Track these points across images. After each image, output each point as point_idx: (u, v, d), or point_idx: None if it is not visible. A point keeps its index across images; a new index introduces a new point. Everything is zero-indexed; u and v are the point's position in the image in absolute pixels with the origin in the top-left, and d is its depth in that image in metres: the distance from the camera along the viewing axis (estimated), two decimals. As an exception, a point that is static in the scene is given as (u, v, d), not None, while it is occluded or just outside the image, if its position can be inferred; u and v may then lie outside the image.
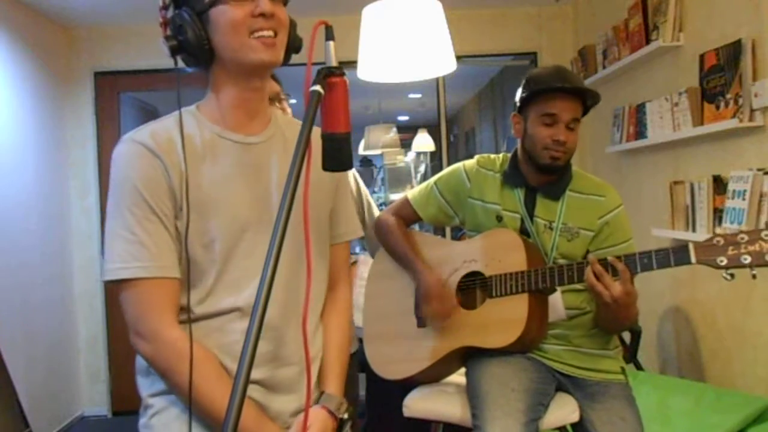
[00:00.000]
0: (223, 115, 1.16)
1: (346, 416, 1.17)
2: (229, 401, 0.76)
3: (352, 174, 2.15)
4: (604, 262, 1.57)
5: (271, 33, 1.10)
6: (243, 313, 1.12)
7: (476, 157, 1.94)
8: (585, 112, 1.80)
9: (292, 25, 1.17)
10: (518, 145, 1.85)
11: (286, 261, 1.12)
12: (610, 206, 1.77)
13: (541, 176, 1.79)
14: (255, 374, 1.11)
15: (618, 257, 1.57)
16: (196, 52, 1.10)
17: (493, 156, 1.93)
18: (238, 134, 1.16)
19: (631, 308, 1.60)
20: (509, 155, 1.89)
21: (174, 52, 1.10)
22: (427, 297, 1.78)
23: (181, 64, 1.14)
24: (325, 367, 1.25)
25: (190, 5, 1.10)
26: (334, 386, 1.22)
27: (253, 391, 1.13)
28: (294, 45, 1.18)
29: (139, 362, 1.20)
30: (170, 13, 1.12)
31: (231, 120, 1.16)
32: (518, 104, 1.81)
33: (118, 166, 1.10)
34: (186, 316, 1.11)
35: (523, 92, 1.80)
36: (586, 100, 1.78)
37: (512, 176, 1.83)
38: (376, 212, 2.23)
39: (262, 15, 1.08)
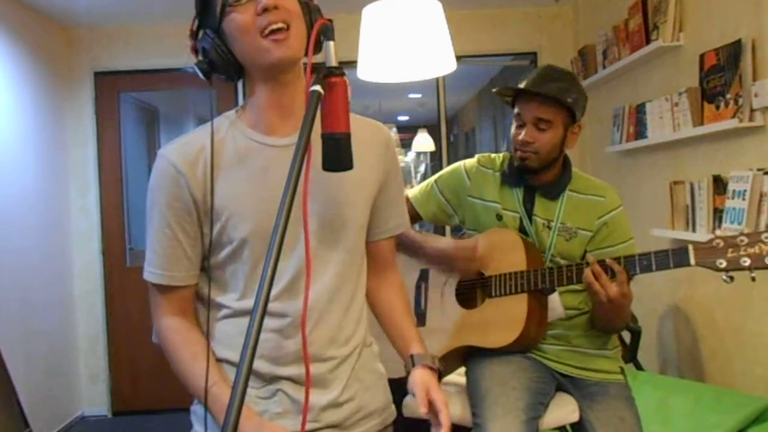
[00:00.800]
0: (258, 119, 1.17)
1: (441, 368, 1.23)
2: (229, 401, 0.76)
3: None
4: (602, 263, 1.58)
5: (281, 26, 1.07)
6: (270, 312, 1.14)
7: (477, 156, 1.94)
8: (573, 113, 1.75)
9: (311, 9, 1.13)
10: None
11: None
12: (609, 207, 1.77)
13: (539, 176, 1.79)
14: (286, 371, 1.15)
15: (616, 259, 1.57)
16: (226, 69, 1.13)
17: (494, 155, 1.93)
18: (271, 137, 1.16)
19: (625, 309, 1.62)
20: (509, 155, 1.89)
21: (207, 75, 1.14)
22: (449, 251, 1.80)
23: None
24: (403, 333, 1.29)
25: (208, 26, 1.11)
26: (418, 346, 1.26)
27: (285, 386, 1.16)
28: (324, 30, 1.11)
29: None
30: (198, 35, 1.14)
31: (264, 123, 1.17)
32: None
33: (150, 180, 1.17)
34: (222, 312, 1.18)
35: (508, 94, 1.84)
36: (565, 100, 1.72)
37: (511, 175, 1.83)
38: None
39: (265, 10, 1.06)
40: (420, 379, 1.20)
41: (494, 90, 1.84)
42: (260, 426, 1.10)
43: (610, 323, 1.72)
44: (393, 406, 1.34)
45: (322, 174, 1.06)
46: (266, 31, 1.06)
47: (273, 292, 1.13)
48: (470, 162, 1.92)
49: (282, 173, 1.12)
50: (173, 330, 1.18)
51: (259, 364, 1.15)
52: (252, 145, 1.16)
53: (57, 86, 4.05)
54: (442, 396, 1.17)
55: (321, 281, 1.17)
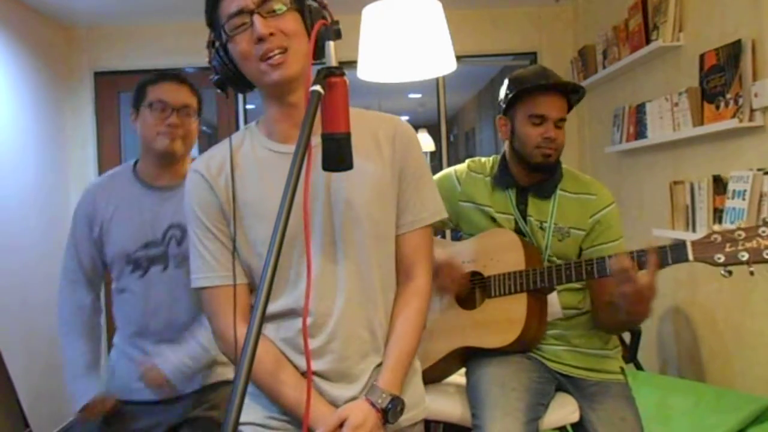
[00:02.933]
0: (271, 130, 1.24)
1: (389, 406, 1.17)
2: (230, 402, 0.76)
3: None
4: (631, 254, 1.50)
5: (278, 52, 1.11)
6: (296, 312, 1.20)
7: (467, 161, 1.96)
8: (569, 109, 1.82)
9: (312, 13, 1.13)
10: (506, 147, 1.86)
11: (341, 261, 1.21)
12: (601, 204, 1.77)
13: (532, 176, 1.79)
14: (314, 366, 1.19)
15: (643, 250, 1.49)
16: (236, 84, 1.20)
17: (483, 159, 1.94)
18: (286, 145, 1.21)
19: (648, 303, 1.50)
20: (498, 157, 1.90)
21: (221, 87, 1.20)
22: (436, 270, 1.74)
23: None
24: (385, 355, 1.25)
25: (219, 40, 1.17)
26: (385, 378, 1.21)
27: (315, 379, 1.20)
28: (334, 31, 1.10)
29: None
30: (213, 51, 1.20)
31: (279, 133, 1.22)
32: (503, 106, 1.83)
33: (185, 195, 1.26)
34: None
35: (508, 93, 1.81)
36: (571, 97, 1.80)
37: (502, 178, 1.83)
38: None
39: (261, 40, 1.10)
40: (346, 410, 1.16)
41: (521, 89, 1.75)
42: (331, 410, 1.17)
43: (630, 317, 1.59)
44: (425, 403, 1.34)
45: (333, 174, 1.13)
46: (265, 58, 1.11)
47: (296, 294, 1.19)
48: (460, 167, 1.94)
49: (311, 176, 1.16)
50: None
51: (297, 360, 1.22)
52: (268, 154, 1.22)
53: (57, 86, 4.04)
54: None
55: (340, 280, 1.20)
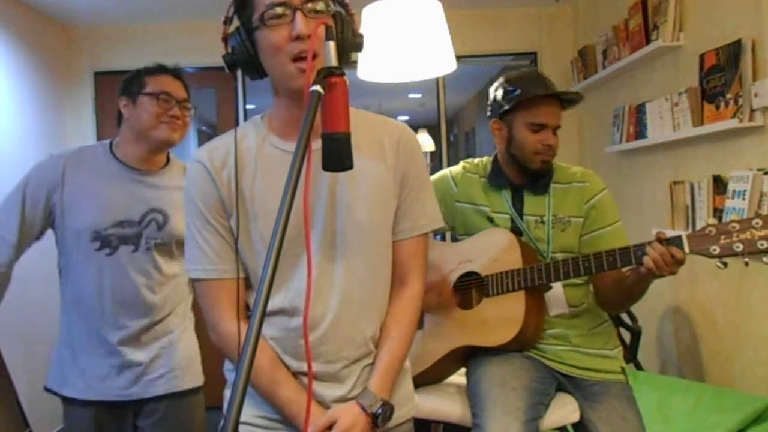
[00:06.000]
0: (281, 128, 1.22)
1: (379, 411, 1.18)
2: (229, 403, 0.76)
3: None
4: (660, 240, 1.53)
5: (308, 54, 1.06)
6: (288, 312, 1.20)
7: (462, 162, 1.97)
8: None
9: (345, 23, 1.14)
10: (499, 149, 1.87)
11: (330, 263, 1.20)
12: (594, 191, 1.79)
13: (526, 175, 1.81)
14: (304, 366, 1.18)
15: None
16: (249, 69, 1.16)
17: (476, 160, 1.96)
18: (291, 143, 1.19)
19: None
20: (490, 159, 1.91)
21: (230, 67, 1.16)
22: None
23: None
24: (376, 359, 1.25)
25: (243, 22, 1.14)
26: (376, 382, 1.22)
27: (305, 380, 1.20)
28: (355, 43, 1.15)
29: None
30: (231, 28, 1.15)
31: (286, 130, 1.21)
32: (499, 111, 1.82)
33: (186, 184, 1.24)
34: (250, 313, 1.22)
35: (506, 99, 1.80)
36: (565, 105, 1.83)
37: (496, 179, 1.85)
38: None
39: (299, 37, 1.08)
40: (338, 412, 1.17)
41: (523, 98, 1.74)
42: (321, 410, 1.18)
43: (640, 290, 1.65)
44: (414, 402, 1.34)
45: (336, 175, 1.13)
46: (297, 60, 1.09)
47: (290, 295, 1.19)
48: (456, 169, 1.95)
49: (314, 177, 1.17)
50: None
51: (286, 359, 1.22)
52: (276, 153, 1.20)
53: (57, 86, 4.04)
54: None
55: (336, 283, 1.19)
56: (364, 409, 1.18)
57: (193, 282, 1.25)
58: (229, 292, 1.21)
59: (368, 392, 1.20)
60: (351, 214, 1.19)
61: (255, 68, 1.16)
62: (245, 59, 1.14)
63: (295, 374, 1.21)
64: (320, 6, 1.10)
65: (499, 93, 1.83)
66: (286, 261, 1.18)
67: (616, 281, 1.71)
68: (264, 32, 1.10)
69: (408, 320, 1.28)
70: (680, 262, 1.50)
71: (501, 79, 1.85)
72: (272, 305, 1.20)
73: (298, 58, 1.10)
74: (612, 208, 1.80)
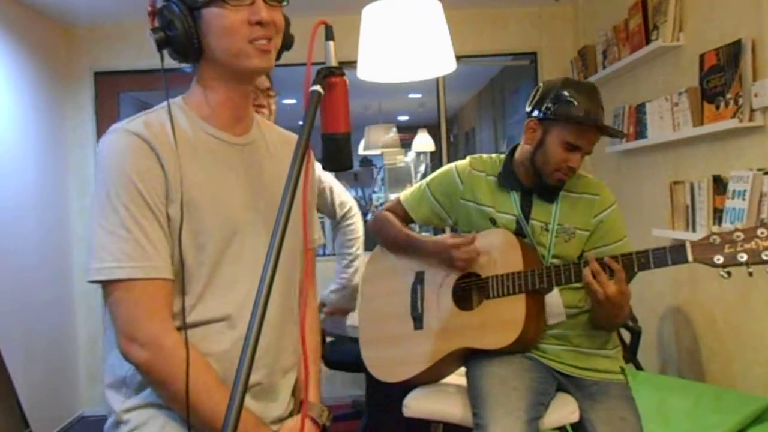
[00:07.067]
0: (211, 113, 1.12)
1: (328, 423, 1.19)
2: (229, 404, 0.75)
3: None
4: (601, 261, 1.57)
5: (266, 41, 1.06)
6: (232, 320, 1.08)
7: (468, 158, 1.93)
8: None
9: (286, 24, 1.12)
10: (521, 149, 1.82)
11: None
12: (605, 205, 1.77)
13: (539, 180, 1.78)
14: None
15: (614, 257, 1.58)
16: (184, 49, 1.05)
17: (485, 156, 1.92)
18: (226, 133, 1.13)
19: (624, 307, 1.62)
20: (503, 156, 1.89)
21: (160, 45, 1.05)
22: (445, 245, 1.78)
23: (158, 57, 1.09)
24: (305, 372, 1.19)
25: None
26: (312, 393, 1.20)
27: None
28: (285, 43, 1.13)
29: (112, 374, 1.12)
30: (159, 2, 1.07)
31: (219, 119, 1.12)
32: (542, 114, 1.74)
33: (109, 158, 1.03)
34: (180, 322, 1.05)
35: (554, 107, 1.71)
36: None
37: (507, 179, 1.83)
38: (342, 194, 2.33)
39: (260, 23, 1.03)
40: (293, 428, 1.16)
41: (573, 117, 1.70)
42: (257, 426, 1.09)
43: (609, 321, 1.71)
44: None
45: (273, 176, 1.12)
46: (255, 43, 1.05)
47: (236, 299, 1.08)
48: (462, 164, 1.91)
49: (244, 172, 1.14)
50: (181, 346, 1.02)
51: (221, 374, 1.07)
52: (209, 139, 1.11)
53: (57, 86, 4.04)
54: None
55: (277, 290, 1.12)
56: (314, 420, 1.19)
57: (113, 284, 1.00)
58: (165, 296, 1.03)
59: (315, 405, 1.20)
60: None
61: (191, 48, 1.05)
62: (186, 38, 1.03)
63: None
64: None
65: (552, 95, 1.73)
66: (232, 264, 1.08)
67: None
68: (217, 11, 1.02)
69: (317, 330, 1.32)
70: (619, 277, 1.55)
71: (562, 81, 1.75)
72: (213, 312, 1.07)
73: (255, 42, 1.04)
74: (620, 223, 1.79)
